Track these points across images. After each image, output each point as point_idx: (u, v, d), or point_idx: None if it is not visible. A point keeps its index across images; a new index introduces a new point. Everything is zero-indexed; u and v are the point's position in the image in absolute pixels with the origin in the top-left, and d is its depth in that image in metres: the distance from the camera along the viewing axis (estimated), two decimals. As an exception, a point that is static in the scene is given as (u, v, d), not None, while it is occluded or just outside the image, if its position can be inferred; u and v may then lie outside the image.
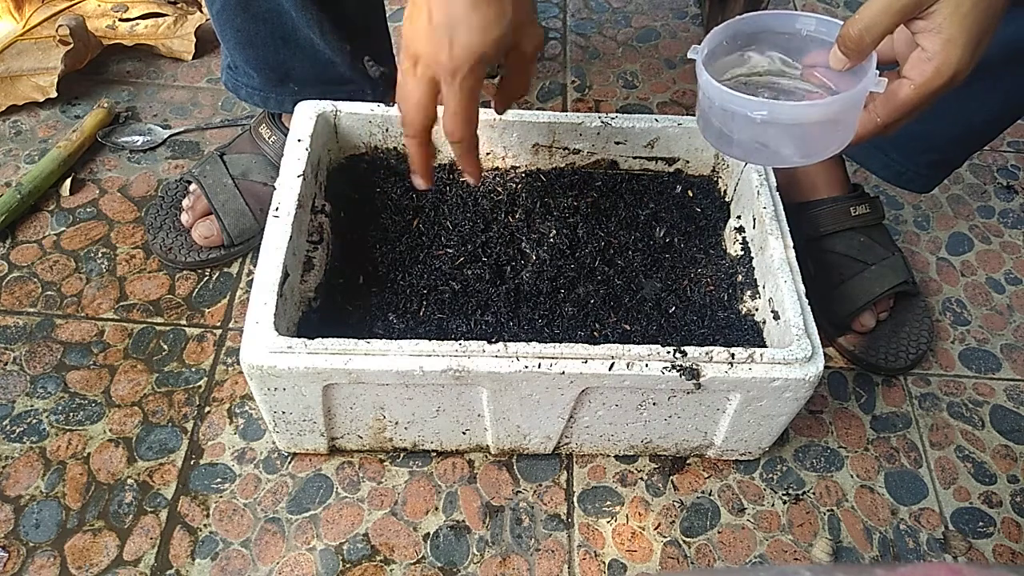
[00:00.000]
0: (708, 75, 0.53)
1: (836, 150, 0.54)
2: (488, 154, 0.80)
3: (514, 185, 0.80)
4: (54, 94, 1.00)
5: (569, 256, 0.75)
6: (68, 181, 0.93)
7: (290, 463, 0.74)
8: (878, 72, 0.50)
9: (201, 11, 1.12)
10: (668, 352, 0.62)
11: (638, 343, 0.66)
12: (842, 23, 0.52)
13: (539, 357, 0.61)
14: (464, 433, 0.72)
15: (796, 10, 0.58)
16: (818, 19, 0.55)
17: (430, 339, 0.61)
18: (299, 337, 0.60)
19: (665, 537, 0.73)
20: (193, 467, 0.74)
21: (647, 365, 0.62)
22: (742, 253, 0.75)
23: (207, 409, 0.77)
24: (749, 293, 0.73)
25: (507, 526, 0.72)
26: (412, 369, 0.61)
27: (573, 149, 0.80)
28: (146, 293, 0.85)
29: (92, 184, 0.94)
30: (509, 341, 0.62)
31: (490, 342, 0.61)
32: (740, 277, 0.75)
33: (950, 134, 0.79)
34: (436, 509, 0.73)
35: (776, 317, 0.67)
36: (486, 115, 0.77)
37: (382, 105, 0.77)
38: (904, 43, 0.51)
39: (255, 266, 0.77)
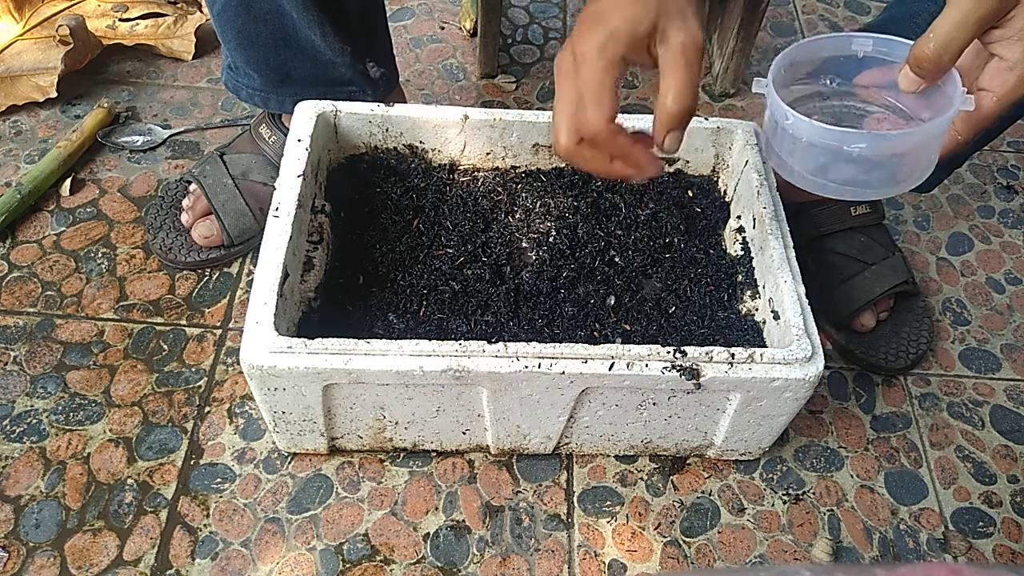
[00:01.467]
0: (790, 109, 0.51)
1: (925, 175, 0.53)
2: (488, 154, 0.80)
3: (514, 185, 0.80)
4: (54, 94, 1.00)
5: (569, 256, 0.75)
6: (68, 181, 0.93)
7: (290, 463, 0.74)
8: (965, 89, 0.49)
9: (201, 11, 1.12)
10: (668, 352, 0.62)
11: (638, 343, 0.66)
12: (901, 40, 0.51)
13: (539, 357, 0.62)
14: (464, 433, 0.72)
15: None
16: (875, 39, 0.54)
17: (430, 339, 0.61)
18: (299, 337, 0.60)
19: (665, 537, 0.73)
20: (193, 467, 0.74)
21: (647, 365, 0.62)
22: (742, 253, 0.75)
23: (207, 409, 0.77)
24: (749, 293, 0.73)
25: (507, 526, 0.72)
26: (412, 369, 0.61)
27: (573, 149, 0.80)
28: (146, 293, 0.85)
29: (92, 184, 0.94)
30: (509, 341, 0.62)
31: (490, 342, 0.61)
32: (740, 277, 0.75)
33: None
34: (436, 509, 0.73)
35: (776, 317, 0.67)
36: (486, 115, 0.77)
37: (382, 105, 0.77)
38: (966, 53, 0.49)
39: (255, 266, 0.77)
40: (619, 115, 0.49)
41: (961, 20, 0.45)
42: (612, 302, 0.73)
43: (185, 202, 0.88)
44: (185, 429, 0.76)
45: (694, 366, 0.62)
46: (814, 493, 0.77)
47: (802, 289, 0.67)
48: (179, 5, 1.13)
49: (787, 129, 0.52)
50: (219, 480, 0.73)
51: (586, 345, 0.62)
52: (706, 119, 0.78)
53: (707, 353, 0.62)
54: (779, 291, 0.67)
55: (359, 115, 0.76)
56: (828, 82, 0.58)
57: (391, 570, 0.69)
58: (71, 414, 0.76)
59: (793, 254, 0.69)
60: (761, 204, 0.71)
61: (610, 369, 0.62)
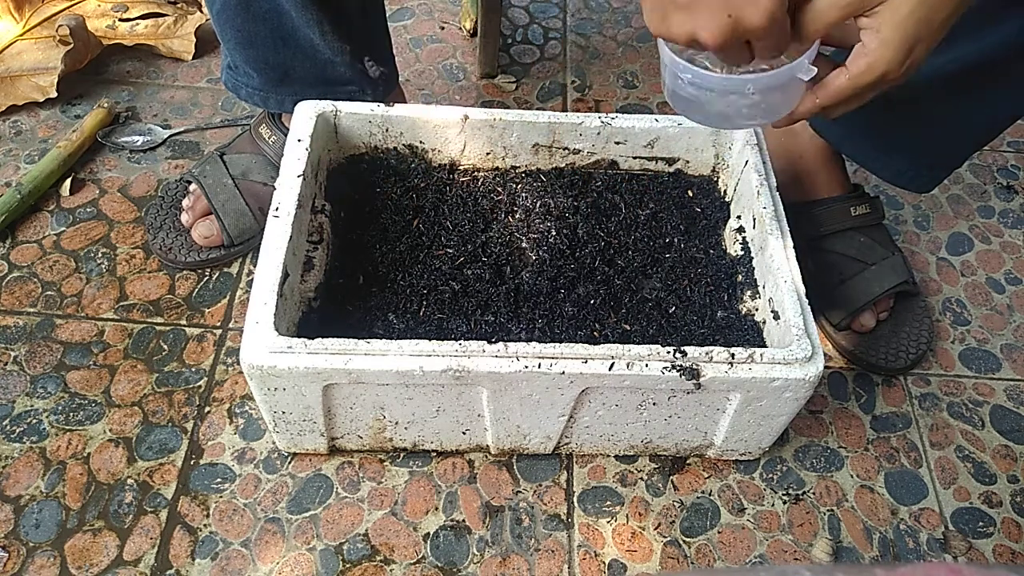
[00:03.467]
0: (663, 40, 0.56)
1: (767, 121, 0.57)
2: (488, 154, 0.80)
3: (514, 185, 0.80)
4: (54, 94, 1.00)
5: (569, 256, 0.75)
6: (68, 181, 0.93)
7: (290, 463, 0.74)
8: (808, 61, 0.53)
9: (201, 11, 1.12)
10: (668, 352, 0.62)
11: (638, 343, 0.66)
12: None
13: (539, 357, 0.61)
14: (464, 433, 0.72)
15: None
16: None
17: (430, 339, 0.61)
18: (299, 337, 0.60)
19: (665, 537, 0.73)
20: (193, 467, 0.74)
21: (647, 365, 0.62)
22: (742, 253, 0.75)
23: (207, 409, 0.77)
24: (749, 293, 0.73)
25: (507, 526, 0.72)
26: (412, 369, 0.61)
27: (573, 149, 0.80)
28: (146, 293, 0.85)
29: (92, 184, 0.94)
30: (509, 341, 0.62)
31: (490, 342, 0.61)
32: (740, 277, 0.75)
33: (950, 134, 0.79)
34: (436, 509, 0.73)
35: (776, 317, 0.67)
36: (486, 115, 0.77)
37: (382, 105, 0.77)
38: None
39: (255, 266, 0.77)
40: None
41: (831, 2, 0.49)
42: (612, 302, 0.73)
43: (185, 202, 0.88)
44: (185, 429, 0.76)
45: (694, 366, 0.62)
46: (814, 493, 0.77)
47: (802, 289, 0.67)
48: (179, 5, 1.13)
49: (660, 53, 0.56)
50: (219, 480, 0.73)
51: (586, 345, 0.62)
52: (706, 119, 0.78)
53: (707, 353, 0.62)
54: (779, 291, 0.67)
55: (359, 115, 0.76)
56: None
57: (391, 570, 0.69)
58: (71, 414, 0.76)
59: (793, 254, 0.69)
60: (761, 204, 0.71)
61: (610, 369, 0.62)
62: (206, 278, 0.87)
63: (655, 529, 0.73)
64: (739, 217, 0.77)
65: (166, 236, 0.86)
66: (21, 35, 1.05)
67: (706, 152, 0.80)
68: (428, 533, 0.71)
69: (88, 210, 0.92)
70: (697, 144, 0.79)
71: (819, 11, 0.49)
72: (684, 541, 0.73)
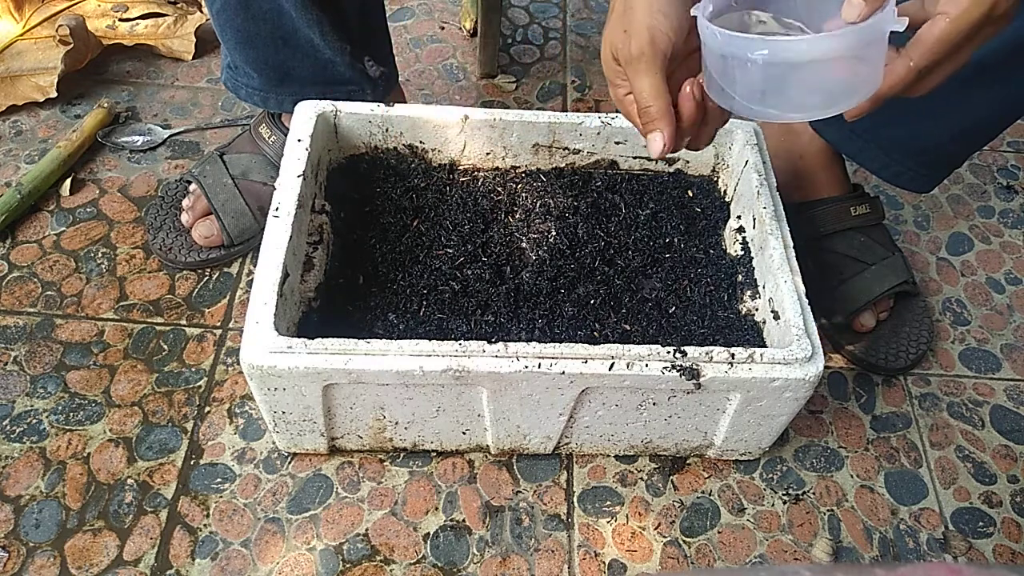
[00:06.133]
0: (705, 20, 0.47)
1: (859, 99, 0.48)
2: (488, 154, 0.80)
3: (514, 185, 0.80)
4: (54, 94, 1.00)
5: (569, 256, 0.75)
6: (68, 181, 0.93)
7: (290, 463, 0.74)
8: (895, 11, 0.45)
9: (201, 11, 1.12)
10: (668, 352, 0.62)
11: (638, 343, 0.66)
12: None
13: (539, 357, 0.61)
14: (464, 433, 0.72)
15: None
16: None
17: (430, 339, 0.61)
18: (299, 337, 0.60)
19: (665, 537, 0.73)
20: (193, 467, 0.74)
21: (647, 365, 0.62)
22: (742, 253, 0.75)
23: (207, 409, 0.77)
24: (749, 293, 0.73)
25: (507, 526, 0.72)
26: (412, 369, 0.61)
27: (573, 149, 0.80)
28: (146, 293, 0.85)
29: (92, 184, 0.94)
30: (509, 341, 0.62)
31: (490, 342, 0.61)
32: (740, 277, 0.75)
33: (950, 134, 0.79)
34: (436, 509, 0.73)
35: (776, 317, 0.67)
36: (486, 115, 0.77)
37: (382, 105, 0.77)
38: None
39: (255, 266, 0.77)
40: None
41: None
42: (612, 302, 0.73)
43: (185, 202, 0.88)
44: (185, 429, 0.76)
45: (694, 366, 0.62)
46: (814, 493, 0.77)
47: (802, 289, 0.67)
48: (179, 5, 1.13)
49: (704, 43, 0.48)
50: (219, 480, 0.73)
51: (586, 345, 0.62)
52: (706, 119, 0.78)
53: (707, 353, 0.62)
54: (779, 291, 0.67)
55: (359, 115, 0.76)
56: (786, 21, 0.52)
57: (391, 570, 0.69)
58: (71, 414, 0.76)
59: (793, 254, 0.69)
60: (761, 204, 0.71)
61: (610, 369, 0.62)
62: (206, 278, 0.87)
63: (655, 529, 0.73)
64: (739, 217, 0.77)
65: (166, 236, 0.86)
66: (21, 35, 1.05)
67: (706, 152, 0.80)
68: (428, 533, 0.71)
69: (88, 210, 0.92)
70: (697, 144, 0.79)
71: None
72: (684, 541, 0.73)
